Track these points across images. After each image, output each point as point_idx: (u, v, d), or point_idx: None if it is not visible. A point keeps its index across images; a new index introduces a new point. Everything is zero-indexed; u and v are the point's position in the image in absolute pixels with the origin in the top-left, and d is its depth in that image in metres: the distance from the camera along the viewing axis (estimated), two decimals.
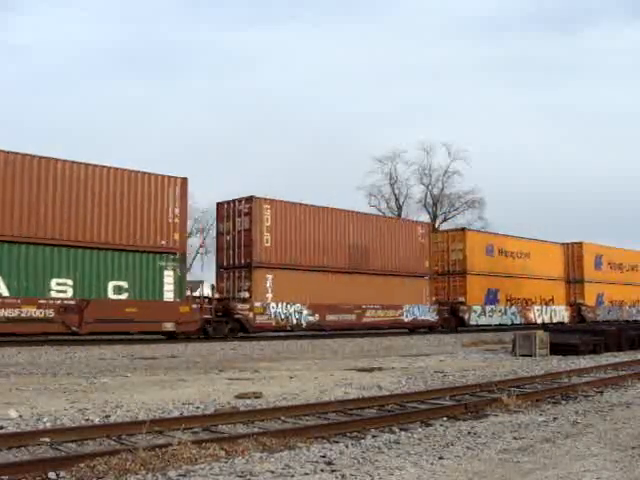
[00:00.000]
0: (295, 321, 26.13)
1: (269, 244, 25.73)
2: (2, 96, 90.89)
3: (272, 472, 5.34)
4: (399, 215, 56.10)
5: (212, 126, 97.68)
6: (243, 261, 25.53)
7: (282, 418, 8.13)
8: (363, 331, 29.11)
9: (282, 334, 26.19)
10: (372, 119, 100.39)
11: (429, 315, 31.73)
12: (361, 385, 11.44)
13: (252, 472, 5.32)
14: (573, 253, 43.29)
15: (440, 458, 5.91)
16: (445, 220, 58.34)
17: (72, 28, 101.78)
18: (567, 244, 43.00)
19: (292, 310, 26.12)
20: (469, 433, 7.12)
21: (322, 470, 5.46)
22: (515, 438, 6.87)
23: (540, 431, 7.27)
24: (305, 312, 26.47)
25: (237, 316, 24.54)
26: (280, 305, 25.76)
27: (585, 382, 11.78)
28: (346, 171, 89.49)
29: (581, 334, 19.96)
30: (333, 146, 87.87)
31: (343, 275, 28.20)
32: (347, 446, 6.43)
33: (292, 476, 5.26)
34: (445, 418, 8.42)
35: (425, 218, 56.27)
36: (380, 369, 14.24)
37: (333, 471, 5.41)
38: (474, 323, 33.85)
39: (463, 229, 36.42)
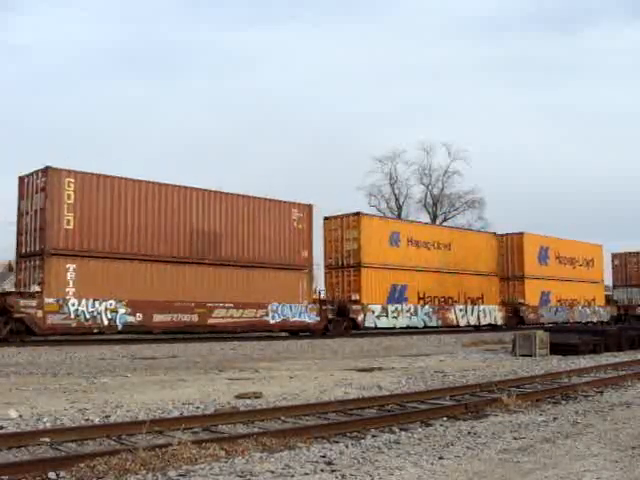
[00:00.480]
0: (107, 322, 21.46)
1: (71, 226, 21.01)
2: (2, 96, 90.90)
3: (272, 472, 5.34)
4: (399, 215, 56.06)
5: (212, 126, 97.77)
6: (37, 247, 20.97)
7: (282, 418, 8.13)
8: (211, 335, 24.41)
9: (282, 334, 26.16)
10: (372, 119, 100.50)
11: (306, 316, 26.51)
12: (361, 385, 11.44)
13: (252, 472, 5.32)
14: (512, 245, 38.54)
15: (440, 458, 5.90)
16: (445, 220, 58.35)
17: (72, 28, 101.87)
18: (504, 235, 38.86)
19: (102, 308, 21.37)
20: (469, 433, 7.12)
21: (322, 470, 5.45)
22: (515, 438, 6.86)
23: (540, 431, 7.27)
24: (122, 311, 21.77)
25: (19, 315, 19.90)
26: (85, 302, 21.01)
27: (585, 382, 11.78)
28: (346, 171, 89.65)
29: (581, 334, 19.98)
30: (333, 146, 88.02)
31: (182, 266, 23.28)
32: (347, 446, 6.43)
33: (292, 476, 5.26)
34: (445, 418, 8.42)
35: (425, 218, 56.31)
36: (380, 369, 14.24)
37: (333, 471, 5.41)
38: (371, 325, 28.99)
39: (358, 213, 29.99)
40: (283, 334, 27.06)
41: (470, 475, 5.33)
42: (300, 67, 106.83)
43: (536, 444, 6.55)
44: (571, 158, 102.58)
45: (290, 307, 26.10)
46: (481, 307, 35.06)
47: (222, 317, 24.05)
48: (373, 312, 29.16)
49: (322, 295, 28.77)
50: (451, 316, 33.23)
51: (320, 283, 30.79)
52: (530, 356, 17.54)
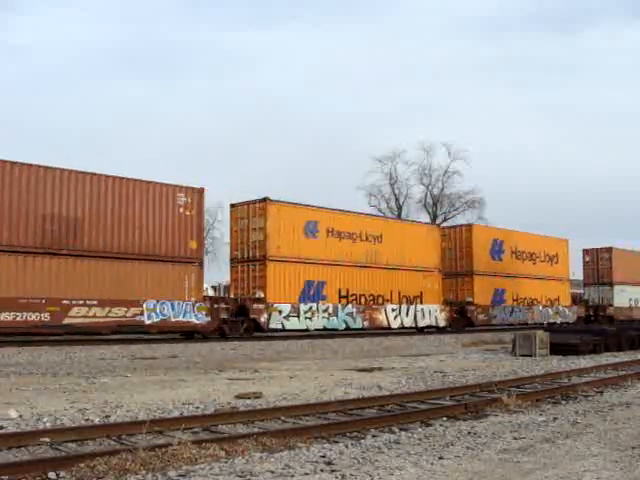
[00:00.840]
0: None
1: None
2: (2, 96, 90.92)
3: (272, 472, 5.34)
4: (399, 216, 56.06)
5: (212, 126, 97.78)
6: None
7: (282, 418, 8.13)
8: (70, 336, 21.30)
9: (282, 334, 26.12)
10: (372, 119, 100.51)
11: (193, 316, 22.99)
12: (361, 385, 11.44)
13: (252, 472, 5.32)
14: (460, 238, 34.97)
15: (440, 458, 5.91)
16: (445, 220, 58.37)
17: (72, 28, 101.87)
18: (451, 227, 36.14)
19: None
20: (469, 433, 7.12)
21: (322, 470, 5.46)
22: (515, 438, 6.86)
23: (540, 431, 7.27)
24: None
25: None
26: None
27: (585, 382, 11.78)
28: (346, 171, 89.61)
29: (581, 334, 19.98)
30: (333, 146, 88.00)
31: (30, 257, 19.86)
32: (347, 446, 6.43)
33: (292, 476, 5.26)
34: (445, 418, 8.42)
35: (425, 218, 56.27)
36: (380, 369, 14.24)
37: (333, 471, 5.41)
38: (277, 327, 25.41)
39: (265, 199, 26.02)
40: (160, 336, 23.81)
41: (470, 475, 5.33)
42: (300, 67, 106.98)
43: (536, 444, 6.55)
44: (571, 158, 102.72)
45: (172, 305, 22.54)
46: (419, 307, 31.25)
47: (82, 316, 20.60)
48: (280, 312, 25.48)
49: (223, 291, 26.04)
50: (381, 317, 29.43)
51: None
52: (530, 356, 17.55)
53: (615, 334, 20.73)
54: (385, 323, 29.75)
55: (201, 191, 23.95)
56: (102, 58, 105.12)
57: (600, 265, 44.76)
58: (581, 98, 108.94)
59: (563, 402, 9.83)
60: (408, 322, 30.82)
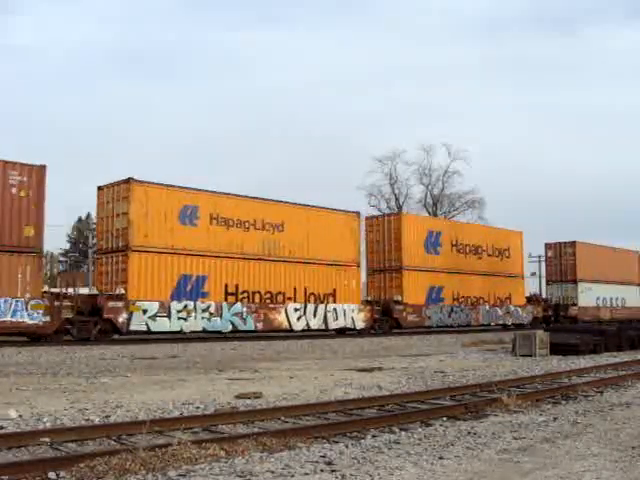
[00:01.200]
0: None
1: None
2: (2, 96, 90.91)
3: (272, 472, 5.34)
4: None
5: (212, 126, 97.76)
6: None
7: (282, 418, 8.13)
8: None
9: (282, 334, 26.13)
10: (372, 119, 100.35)
11: (26, 315, 19.65)
12: (361, 385, 11.44)
13: (252, 472, 5.32)
14: (388, 229, 30.95)
15: (440, 458, 5.90)
16: None
17: (72, 28, 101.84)
18: (378, 216, 32.41)
19: None
20: (469, 433, 7.12)
21: (322, 470, 5.45)
22: (515, 438, 6.86)
23: (540, 431, 7.26)
24: None
25: None
26: None
27: (585, 382, 11.78)
28: (346, 171, 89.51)
29: (581, 334, 19.98)
30: (333, 146, 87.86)
31: None
32: (347, 446, 6.43)
33: (292, 476, 5.26)
34: (445, 418, 8.42)
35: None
36: (380, 369, 14.24)
37: (333, 471, 5.41)
38: (140, 328, 22.11)
39: (128, 180, 22.51)
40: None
41: (470, 475, 5.33)
42: (300, 67, 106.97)
43: (536, 444, 6.55)
44: (571, 158, 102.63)
45: None
46: (330, 306, 27.28)
47: None
48: (145, 311, 22.10)
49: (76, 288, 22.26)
50: (279, 317, 25.55)
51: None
52: (530, 356, 17.55)
53: (615, 334, 20.73)
54: (285, 325, 25.89)
55: (41, 169, 20.32)
56: (102, 58, 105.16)
57: (563, 261, 40.59)
58: (581, 98, 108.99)
59: (563, 402, 9.83)
60: (316, 324, 26.84)
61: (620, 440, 6.75)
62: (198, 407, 8.85)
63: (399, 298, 30.16)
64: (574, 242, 40.41)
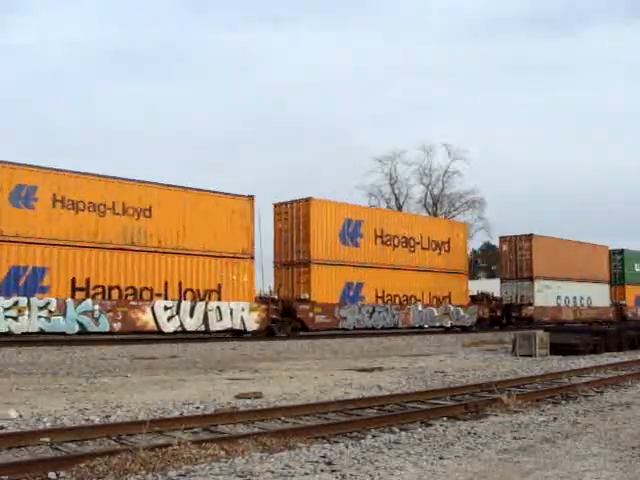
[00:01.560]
0: None
1: None
2: (2, 96, 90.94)
3: (272, 472, 5.34)
4: None
5: (212, 126, 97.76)
6: None
7: (282, 418, 8.13)
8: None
9: (283, 334, 26.13)
10: (372, 119, 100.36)
11: None
12: (361, 385, 11.44)
13: (252, 472, 5.32)
14: (297, 216, 26.96)
15: (440, 458, 5.90)
16: None
17: (72, 28, 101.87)
18: (286, 203, 27.60)
19: None
20: (469, 433, 7.12)
21: (322, 470, 5.45)
22: (515, 438, 6.86)
23: (540, 431, 7.26)
24: None
25: None
26: None
27: (585, 382, 11.78)
28: (346, 171, 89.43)
29: (581, 334, 19.99)
30: (333, 146, 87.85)
31: None
32: (347, 446, 6.42)
33: (292, 476, 5.26)
34: (445, 418, 8.42)
35: None
36: (380, 369, 14.24)
37: (333, 471, 5.41)
38: None
39: None
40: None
41: (470, 475, 5.33)
42: (300, 67, 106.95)
43: (536, 444, 6.55)
44: (571, 158, 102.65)
45: None
46: (213, 304, 23.62)
47: None
48: None
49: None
50: (145, 317, 22.05)
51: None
52: (530, 356, 17.55)
53: (615, 334, 20.75)
54: (152, 325, 22.24)
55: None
56: (102, 58, 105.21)
57: (519, 256, 37.06)
58: (581, 98, 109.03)
59: (563, 402, 9.83)
60: (193, 324, 23.11)
61: (620, 440, 6.75)
62: (198, 407, 8.86)
63: (306, 296, 26.45)
64: (531, 235, 37.26)
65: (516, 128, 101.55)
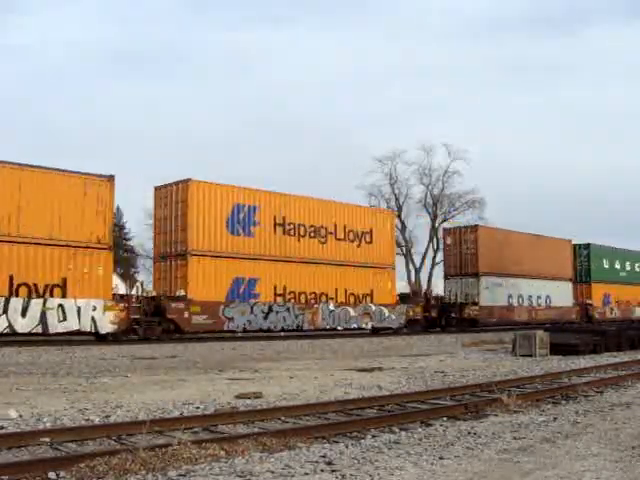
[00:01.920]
0: None
1: None
2: (2, 96, 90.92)
3: (272, 472, 5.34)
4: (399, 216, 55.98)
5: (212, 126, 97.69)
6: None
7: (282, 418, 8.13)
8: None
9: (282, 334, 26.12)
10: (372, 119, 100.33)
11: None
12: (361, 385, 11.44)
13: (252, 472, 5.32)
14: (175, 201, 23.73)
15: (440, 458, 5.90)
16: (445, 220, 58.25)
17: (72, 28, 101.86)
18: (167, 185, 24.28)
19: None
20: (469, 433, 7.12)
21: (322, 470, 5.45)
22: (515, 438, 6.86)
23: (540, 431, 7.26)
24: None
25: None
26: None
27: (585, 382, 11.78)
28: (346, 171, 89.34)
29: (581, 334, 20.00)
30: (333, 146, 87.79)
31: None
32: (347, 446, 6.43)
33: (292, 476, 5.26)
34: (445, 418, 8.42)
35: (425, 218, 55.90)
36: (380, 369, 14.24)
37: (333, 471, 5.41)
38: None
39: None
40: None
41: (470, 475, 5.33)
42: (300, 67, 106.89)
43: (536, 444, 6.55)
44: (571, 158, 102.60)
45: None
46: (54, 301, 20.07)
47: None
48: None
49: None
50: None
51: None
52: (530, 356, 17.55)
53: (615, 334, 20.76)
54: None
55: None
56: (102, 58, 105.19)
57: (463, 250, 33.15)
58: (581, 98, 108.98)
59: (563, 402, 9.83)
60: (26, 325, 19.63)
61: (620, 440, 6.75)
62: (198, 407, 8.86)
63: (182, 293, 23.26)
64: (476, 226, 34.28)
65: (516, 128, 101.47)
